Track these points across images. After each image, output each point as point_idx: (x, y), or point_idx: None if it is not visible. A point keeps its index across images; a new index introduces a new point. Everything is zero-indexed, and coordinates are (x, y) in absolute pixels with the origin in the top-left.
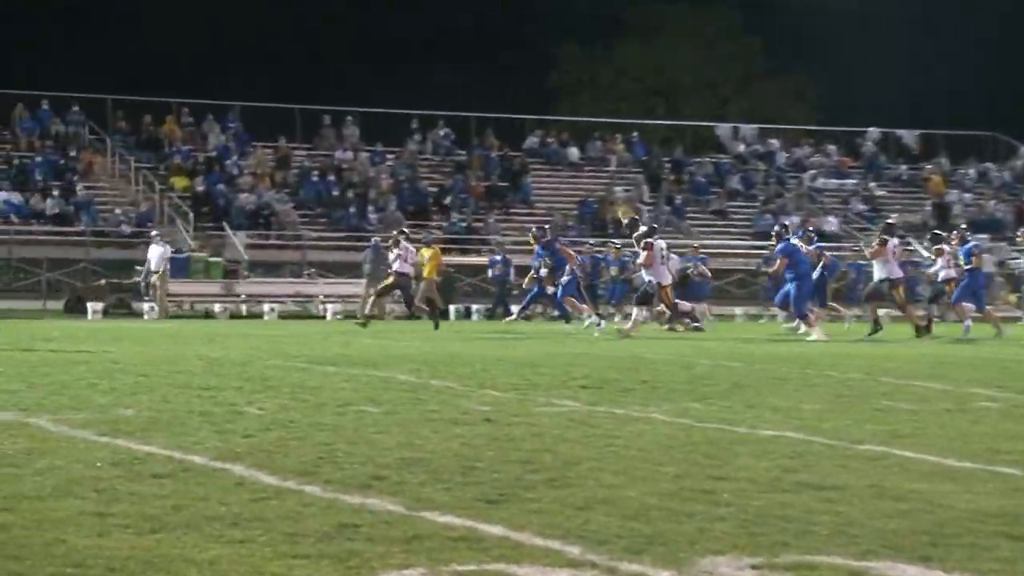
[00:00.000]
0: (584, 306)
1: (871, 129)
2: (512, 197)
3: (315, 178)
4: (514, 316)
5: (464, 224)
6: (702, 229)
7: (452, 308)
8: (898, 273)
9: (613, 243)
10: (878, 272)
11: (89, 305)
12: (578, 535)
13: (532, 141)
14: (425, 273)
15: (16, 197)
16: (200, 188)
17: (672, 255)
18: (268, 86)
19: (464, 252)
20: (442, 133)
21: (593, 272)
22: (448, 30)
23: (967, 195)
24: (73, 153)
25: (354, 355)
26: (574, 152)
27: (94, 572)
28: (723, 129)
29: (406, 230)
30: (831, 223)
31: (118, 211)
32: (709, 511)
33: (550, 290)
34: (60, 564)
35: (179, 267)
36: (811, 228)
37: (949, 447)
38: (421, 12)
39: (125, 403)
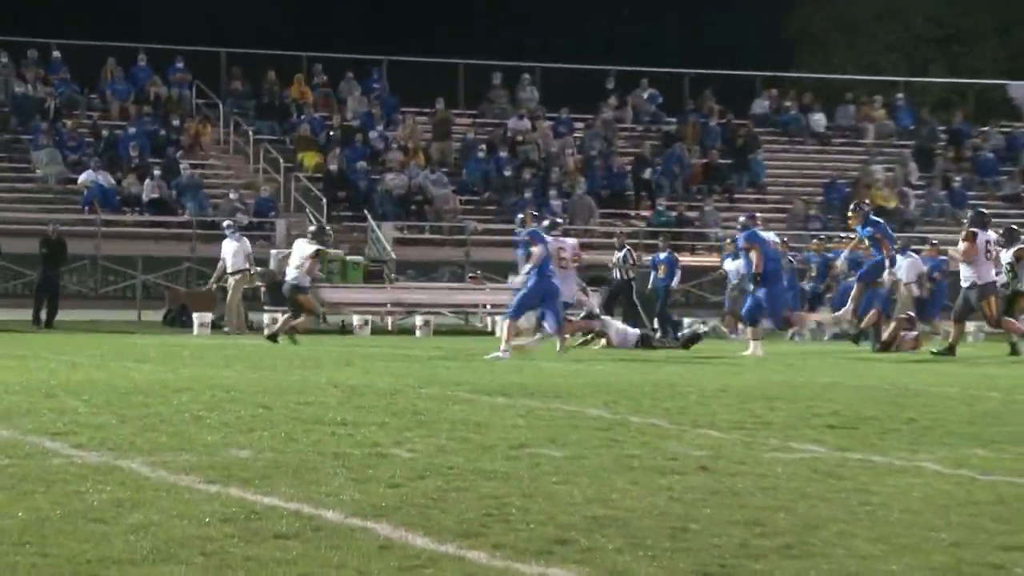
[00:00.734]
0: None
1: None
2: (737, 178)
3: (481, 153)
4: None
5: (674, 215)
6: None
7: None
8: (990, 277)
9: (817, 238)
10: (967, 276)
11: (195, 317)
12: None
13: (763, 105)
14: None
15: (104, 178)
16: (335, 166)
17: (910, 255)
18: (422, 38)
19: (675, 249)
20: (646, 95)
21: (819, 275)
22: None
23: None
24: (176, 122)
25: (531, 383)
26: (819, 120)
27: None
28: (1018, 88)
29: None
30: None
31: (232, 196)
32: None
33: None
34: None
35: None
36: None
37: None
38: None
39: (240, 442)
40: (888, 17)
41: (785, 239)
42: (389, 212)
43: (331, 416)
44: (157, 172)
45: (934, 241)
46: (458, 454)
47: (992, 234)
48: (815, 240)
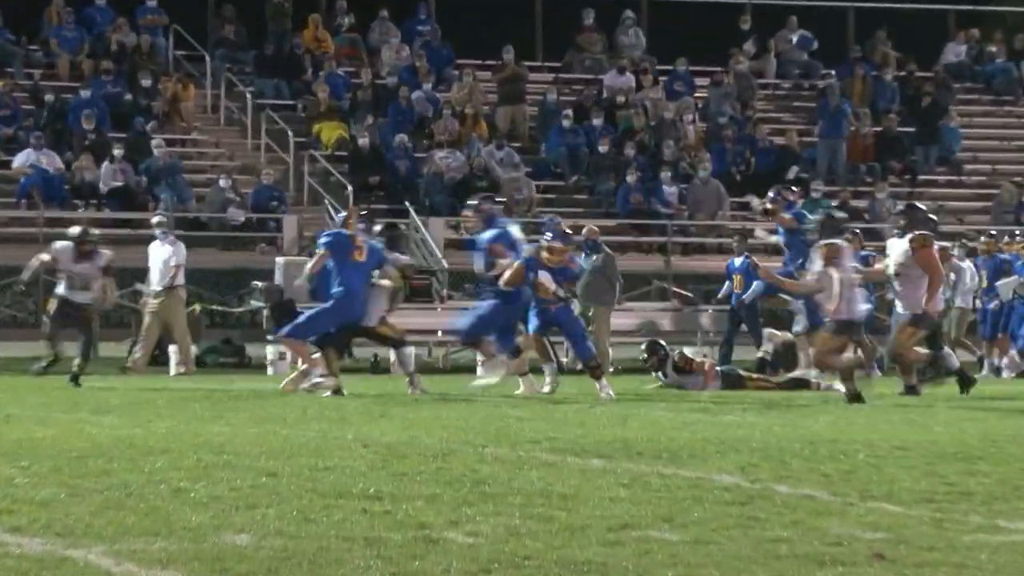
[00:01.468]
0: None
1: None
2: (922, 153)
3: (567, 122)
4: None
5: (834, 204)
6: None
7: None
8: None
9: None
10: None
11: (172, 351)
12: None
13: (958, 52)
14: None
15: (48, 160)
16: (364, 142)
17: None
18: None
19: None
20: (794, 39)
21: (990, 285)
22: None
23: None
24: (147, 83)
25: (637, 439)
26: None
27: None
28: None
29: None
30: None
31: (223, 183)
32: None
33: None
34: None
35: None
36: None
37: None
38: None
39: (236, 524)
40: None
41: (992, 234)
42: (439, 204)
43: (361, 486)
44: (119, 152)
45: None
46: (537, 538)
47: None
48: (984, 238)
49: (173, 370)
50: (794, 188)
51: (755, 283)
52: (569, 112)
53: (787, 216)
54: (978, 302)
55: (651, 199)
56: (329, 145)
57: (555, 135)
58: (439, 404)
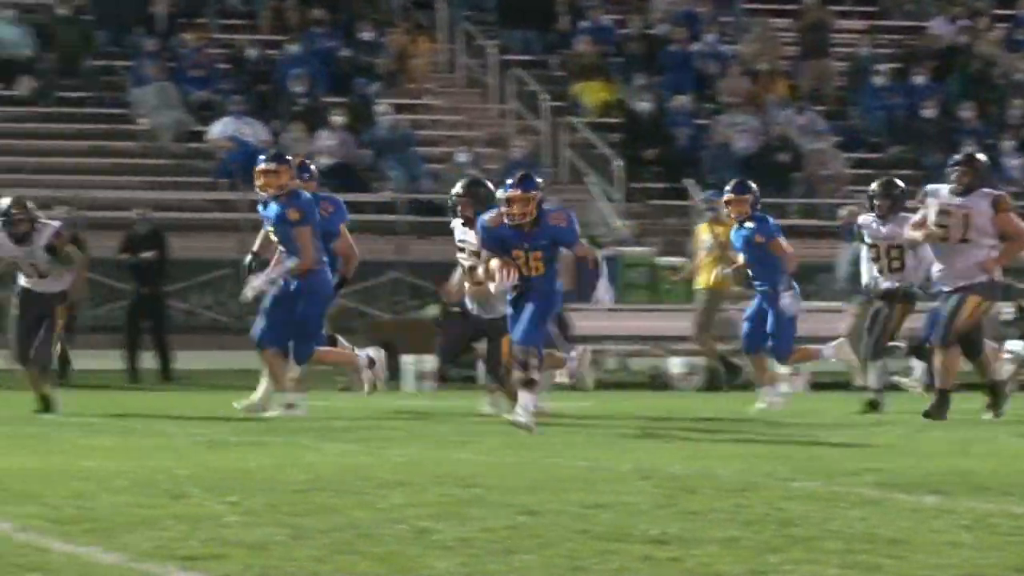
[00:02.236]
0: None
1: None
2: None
3: (881, 79)
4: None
5: None
6: None
7: None
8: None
9: None
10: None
11: (406, 361)
12: None
13: None
14: None
15: (251, 131)
16: (644, 106)
17: None
18: None
19: None
20: None
21: None
22: None
23: None
24: (368, 36)
25: (981, 469)
26: None
27: None
28: None
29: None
30: None
31: (463, 158)
32: None
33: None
34: None
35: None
36: None
37: None
38: None
39: (490, 571)
40: None
41: None
42: (730, 180)
43: (642, 528)
44: (339, 119)
45: None
46: None
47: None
48: None
49: (411, 384)
50: None
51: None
52: (887, 68)
53: None
54: None
55: (990, 174)
56: (594, 109)
57: (870, 96)
58: (733, 426)
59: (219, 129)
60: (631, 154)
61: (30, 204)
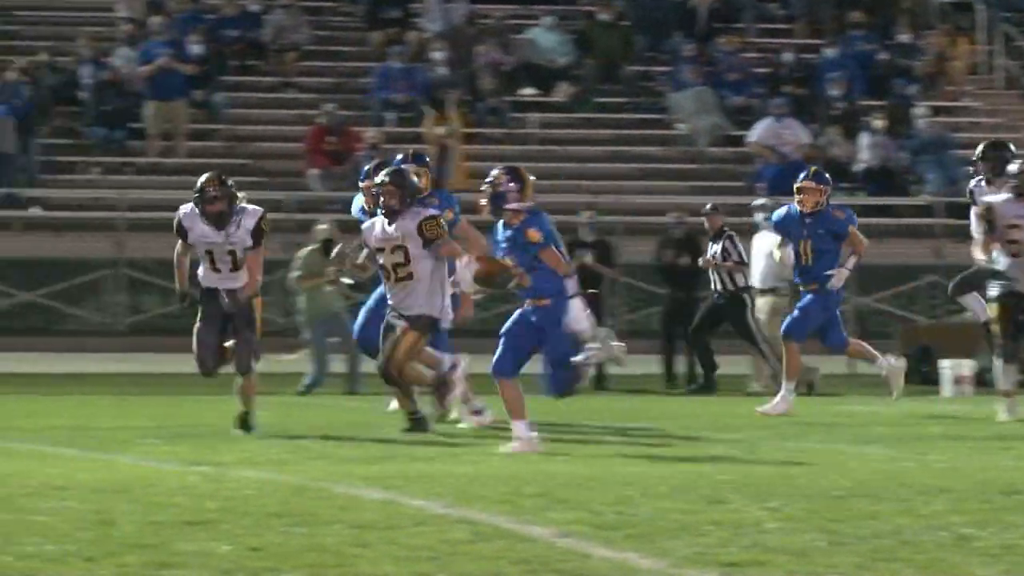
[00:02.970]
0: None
1: None
2: None
3: None
4: None
5: None
6: None
7: None
8: None
9: None
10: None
11: (943, 365)
12: None
13: None
14: None
15: (791, 132)
16: None
17: None
18: None
19: None
20: None
21: None
22: None
23: None
24: (906, 38)
25: None
26: None
27: None
28: None
29: None
30: None
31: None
32: None
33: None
34: None
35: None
36: None
37: None
38: None
39: None
40: None
41: None
42: None
43: None
44: (878, 123)
45: None
46: None
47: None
48: None
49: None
50: None
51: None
52: None
53: None
54: None
55: None
56: None
57: None
58: None
59: (758, 133)
60: None
61: (229, 181)
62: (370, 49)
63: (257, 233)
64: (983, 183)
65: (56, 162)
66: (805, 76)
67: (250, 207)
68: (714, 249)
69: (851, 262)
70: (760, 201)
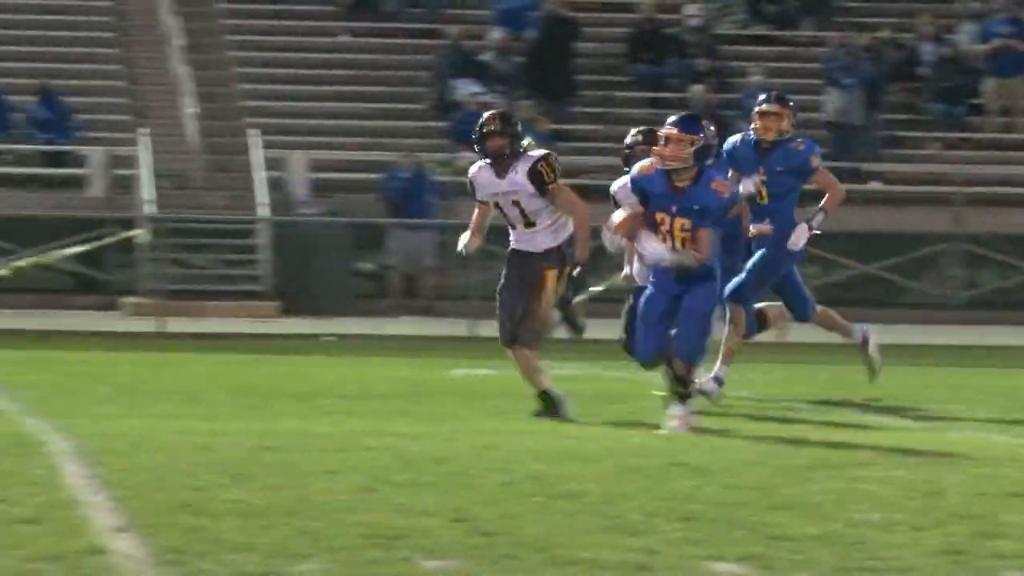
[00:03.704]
0: None
1: None
2: None
3: None
4: None
5: None
6: None
7: None
8: None
9: None
10: None
11: None
12: None
13: None
14: None
15: None
16: None
17: None
18: None
19: None
20: None
21: None
22: None
23: None
24: None
25: None
26: None
27: None
28: None
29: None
30: None
31: None
32: None
33: None
34: None
35: None
36: None
37: None
38: None
39: None
40: None
41: None
42: None
43: None
44: None
45: None
46: None
47: None
48: None
49: None
50: None
51: None
52: None
53: None
54: None
55: None
56: None
57: None
58: None
59: None
60: None
61: (514, 118)
62: None
63: (535, 177)
64: None
65: (896, 137)
66: None
67: (536, 152)
68: None
69: (818, 219)
70: None
